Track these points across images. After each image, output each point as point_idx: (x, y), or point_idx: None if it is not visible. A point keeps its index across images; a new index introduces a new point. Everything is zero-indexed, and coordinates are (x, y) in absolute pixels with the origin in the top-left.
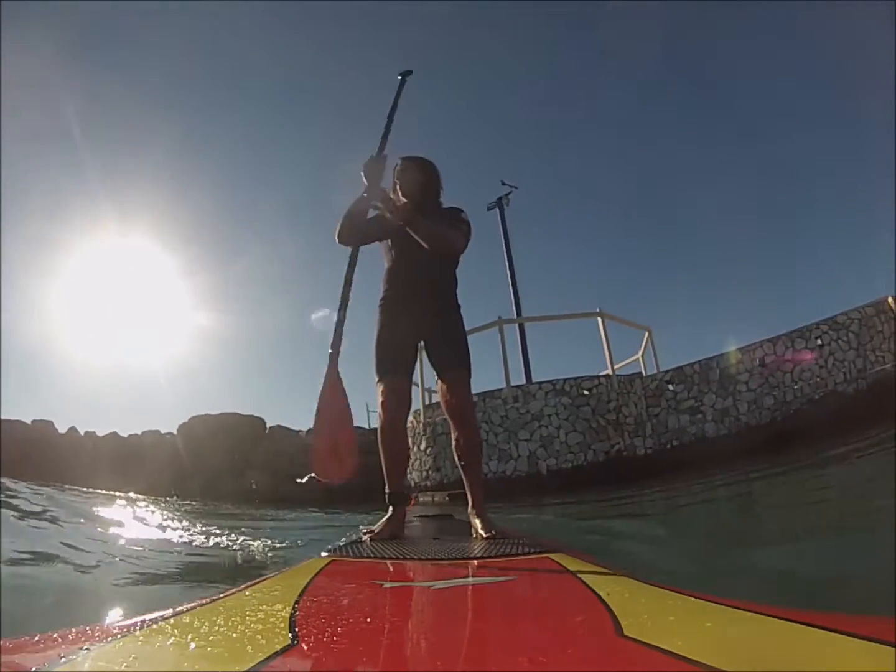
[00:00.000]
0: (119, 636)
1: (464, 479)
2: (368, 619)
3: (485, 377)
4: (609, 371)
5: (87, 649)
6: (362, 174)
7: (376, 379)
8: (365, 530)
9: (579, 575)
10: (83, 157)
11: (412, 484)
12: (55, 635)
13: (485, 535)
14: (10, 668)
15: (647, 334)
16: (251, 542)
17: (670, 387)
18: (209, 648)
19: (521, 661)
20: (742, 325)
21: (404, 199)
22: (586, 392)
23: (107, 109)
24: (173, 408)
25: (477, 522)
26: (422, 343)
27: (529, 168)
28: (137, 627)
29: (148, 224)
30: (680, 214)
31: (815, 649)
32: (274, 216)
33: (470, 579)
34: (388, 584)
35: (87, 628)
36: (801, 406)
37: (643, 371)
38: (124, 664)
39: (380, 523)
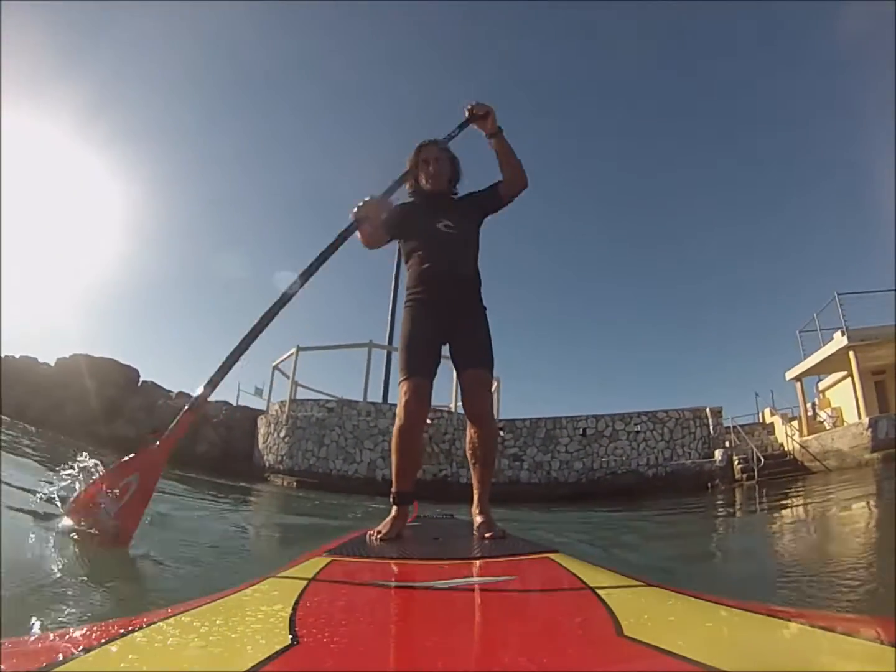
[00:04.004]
0: (119, 636)
1: (473, 476)
2: (368, 619)
3: (347, 387)
4: (451, 408)
5: (87, 649)
6: (353, 215)
7: (401, 378)
8: (368, 530)
9: (579, 575)
10: None
11: (266, 465)
12: (55, 635)
13: (487, 535)
14: (10, 668)
15: (495, 384)
16: None
17: (501, 433)
18: (209, 648)
19: (521, 660)
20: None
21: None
22: (428, 421)
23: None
24: (52, 337)
25: (479, 521)
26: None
27: None
28: (137, 627)
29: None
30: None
31: (815, 649)
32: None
33: (470, 579)
34: (388, 584)
35: (87, 628)
36: (605, 475)
37: None
38: (124, 664)
39: (384, 523)
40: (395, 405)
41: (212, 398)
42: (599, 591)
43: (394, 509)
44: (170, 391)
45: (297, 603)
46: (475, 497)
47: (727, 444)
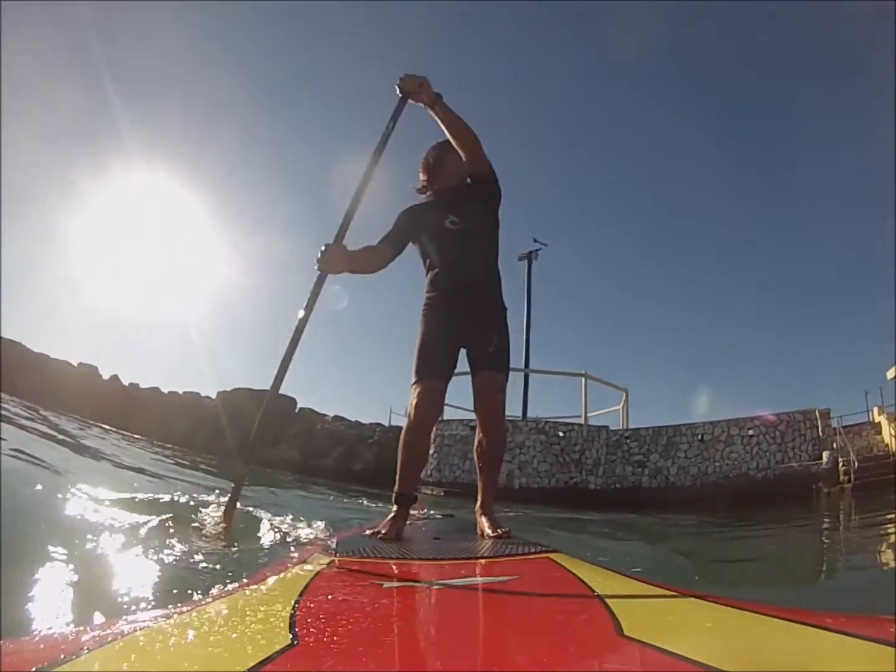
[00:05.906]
0: (119, 636)
1: (479, 477)
2: (368, 619)
3: None
4: (582, 421)
5: (87, 649)
6: (317, 264)
7: (413, 380)
8: (368, 530)
9: (580, 575)
10: (105, 82)
11: None
12: (55, 635)
13: (491, 534)
14: (10, 668)
15: (624, 395)
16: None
17: (628, 442)
18: (209, 648)
19: (521, 660)
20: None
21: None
22: (560, 434)
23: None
24: (209, 372)
25: (484, 521)
26: (464, 350)
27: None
28: (137, 627)
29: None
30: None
31: (815, 649)
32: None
33: (470, 579)
34: (388, 584)
35: (87, 628)
36: (717, 479)
37: (620, 422)
38: (124, 664)
39: (383, 523)
40: (529, 420)
41: (366, 420)
42: (600, 591)
43: (394, 509)
44: (325, 415)
45: (297, 603)
46: (480, 498)
47: (834, 445)
